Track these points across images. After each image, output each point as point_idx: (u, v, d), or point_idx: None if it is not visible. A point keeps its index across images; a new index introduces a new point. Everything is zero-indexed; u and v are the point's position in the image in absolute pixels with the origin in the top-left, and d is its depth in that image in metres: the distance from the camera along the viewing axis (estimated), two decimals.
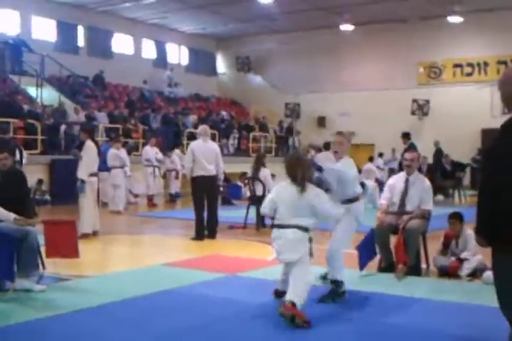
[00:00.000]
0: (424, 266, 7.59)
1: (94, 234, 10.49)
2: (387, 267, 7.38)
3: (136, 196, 17.46)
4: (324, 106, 28.28)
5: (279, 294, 5.94)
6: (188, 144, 13.93)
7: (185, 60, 31.06)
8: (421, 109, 26.39)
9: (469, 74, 26.35)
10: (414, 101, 26.34)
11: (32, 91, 21.54)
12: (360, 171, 17.33)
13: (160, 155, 17.58)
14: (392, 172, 18.81)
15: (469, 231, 7.17)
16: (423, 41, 26.15)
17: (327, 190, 6.04)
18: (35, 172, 15.86)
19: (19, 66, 22.27)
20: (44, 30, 24.76)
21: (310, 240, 5.59)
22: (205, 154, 10.44)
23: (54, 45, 24.66)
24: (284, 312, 5.22)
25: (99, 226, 10.69)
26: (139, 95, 26.24)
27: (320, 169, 6.02)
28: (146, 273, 7.48)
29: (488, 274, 6.26)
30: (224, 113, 27.48)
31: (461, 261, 7.24)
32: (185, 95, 28.79)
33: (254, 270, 7.61)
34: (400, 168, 10.85)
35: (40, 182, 16.32)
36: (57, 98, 21.40)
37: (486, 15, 24.68)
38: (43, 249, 6.66)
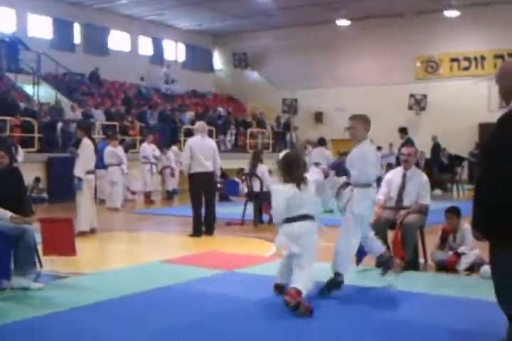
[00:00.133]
0: (421, 260, 7.60)
1: (92, 231, 10.48)
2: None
3: (133, 193, 17.45)
4: (321, 101, 28.26)
5: (279, 288, 5.97)
6: (185, 141, 13.93)
7: (181, 57, 31.02)
8: (418, 103, 26.39)
9: (466, 69, 26.35)
10: (412, 96, 26.33)
11: (28, 89, 21.52)
12: None
13: (157, 152, 17.59)
14: (389, 167, 18.80)
15: (466, 226, 7.16)
16: (420, 36, 26.13)
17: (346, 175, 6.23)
18: (32, 170, 15.86)
19: (15, 64, 22.22)
20: (40, 27, 24.70)
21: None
22: (202, 150, 10.42)
23: (50, 42, 24.60)
24: (289, 300, 5.31)
25: (96, 224, 10.67)
26: (135, 92, 26.21)
27: (347, 173, 6.19)
28: (144, 270, 7.47)
29: (486, 268, 6.25)
30: (221, 109, 27.48)
31: (458, 255, 7.24)
32: (182, 92, 28.77)
33: (251, 266, 7.60)
34: (398, 163, 10.87)
35: (37, 180, 16.30)
36: (53, 96, 21.37)
37: (482, 9, 24.67)
38: (39, 247, 6.65)
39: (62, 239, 6.86)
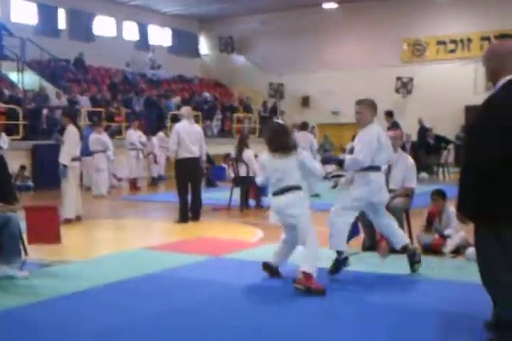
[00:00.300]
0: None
1: (78, 218, 10.43)
2: (370, 246, 7.40)
3: (119, 180, 17.39)
4: (308, 85, 28.18)
5: (266, 267, 6.13)
6: (171, 126, 13.87)
7: (167, 42, 30.80)
8: (405, 86, 26.38)
9: (453, 51, 26.31)
10: (398, 79, 26.31)
11: (13, 76, 21.30)
12: (344, 150, 17.48)
13: (143, 139, 17.52)
14: None
15: (452, 208, 7.18)
16: (406, 18, 26.07)
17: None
18: (17, 158, 15.75)
19: None
20: (24, 13, 24.39)
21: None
22: (190, 136, 10.37)
23: (34, 28, 24.32)
24: (299, 287, 5.52)
25: (82, 211, 10.63)
26: (121, 78, 26.01)
27: (340, 163, 6.17)
28: (130, 257, 7.45)
29: (471, 250, 6.28)
30: (207, 94, 27.35)
31: (444, 237, 7.26)
32: (168, 77, 28.59)
33: (238, 252, 7.60)
34: None
35: (22, 168, 16.19)
36: (38, 82, 21.18)
37: None
38: (24, 236, 6.61)
39: (47, 227, 6.84)
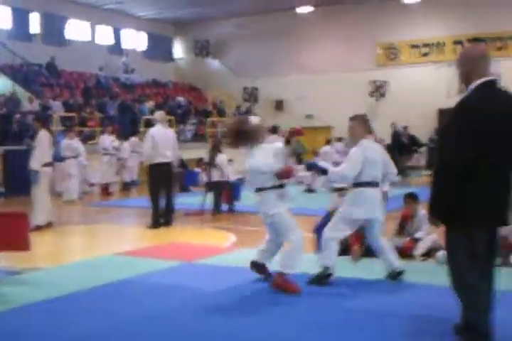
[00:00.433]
0: None
1: (49, 225, 10.29)
2: (343, 250, 7.38)
3: (91, 185, 17.25)
4: (282, 89, 28.21)
5: (254, 266, 6.19)
6: (145, 131, 13.79)
7: (142, 46, 30.65)
8: (378, 90, 26.52)
9: (426, 55, 26.53)
10: (372, 82, 26.45)
11: None
12: (317, 154, 17.51)
13: (117, 143, 17.39)
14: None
15: (424, 212, 7.20)
16: (380, 22, 26.26)
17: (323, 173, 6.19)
18: None
19: None
20: None
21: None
22: (164, 140, 10.33)
23: (8, 32, 24.07)
24: (273, 287, 5.68)
25: (53, 217, 10.50)
26: (95, 82, 25.83)
27: (324, 172, 6.12)
28: (102, 263, 7.38)
29: (442, 253, 6.30)
30: (181, 98, 27.27)
31: (415, 240, 7.28)
32: (142, 81, 28.47)
33: (210, 257, 7.56)
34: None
35: None
36: (10, 87, 20.96)
37: None
38: None
39: (16, 234, 6.72)
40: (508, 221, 4.16)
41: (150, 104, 24.40)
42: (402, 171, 19.59)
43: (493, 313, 4.09)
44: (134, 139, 18.73)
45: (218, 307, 5.38)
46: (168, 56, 31.77)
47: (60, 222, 10.70)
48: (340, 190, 7.30)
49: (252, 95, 28.93)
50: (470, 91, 4.08)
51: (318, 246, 7.17)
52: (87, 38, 27.76)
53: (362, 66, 26.69)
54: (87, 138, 19.21)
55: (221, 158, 11.98)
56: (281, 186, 5.94)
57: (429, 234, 7.27)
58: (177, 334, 4.65)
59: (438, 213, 4.15)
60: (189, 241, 8.95)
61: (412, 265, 6.90)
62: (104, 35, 28.46)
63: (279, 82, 28.00)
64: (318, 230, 7.26)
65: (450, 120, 4.10)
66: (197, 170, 16.55)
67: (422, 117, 24.28)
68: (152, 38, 30.69)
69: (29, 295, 5.77)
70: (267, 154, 5.87)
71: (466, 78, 4.15)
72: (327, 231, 6.17)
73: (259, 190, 5.90)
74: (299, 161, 17.54)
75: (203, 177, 12.95)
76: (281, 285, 5.72)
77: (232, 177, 12.14)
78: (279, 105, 29.11)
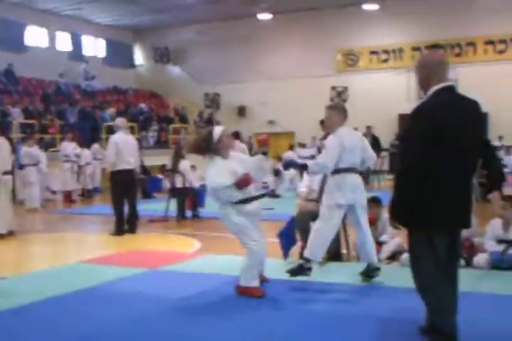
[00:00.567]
0: (344, 251, 7.66)
1: (10, 233, 10.14)
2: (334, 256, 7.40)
3: (53, 193, 17.04)
4: (244, 95, 28.30)
5: None
6: (107, 138, 13.66)
7: (102, 52, 30.46)
8: (339, 95, 26.67)
9: (385, 61, 26.85)
10: (333, 88, 26.62)
11: None
12: (280, 159, 17.55)
13: (78, 150, 17.23)
14: (313, 159, 18.92)
15: (387, 215, 7.24)
16: (340, 29, 26.52)
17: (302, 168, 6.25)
18: None
19: None
20: None
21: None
22: (127, 147, 10.28)
23: None
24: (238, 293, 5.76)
25: (15, 226, 10.35)
26: (54, 89, 25.60)
27: (304, 167, 6.16)
28: (65, 271, 7.27)
29: (406, 256, 6.35)
30: (143, 105, 27.16)
31: (379, 244, 7.33)
32: (103, 88, 28.27)
33: (175, 264, 7.51)
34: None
35: None
36: None
37: (400, 3, 25.20)
38: None
39: None
40: (469, 224, 4.23)
41: (111, 111, 24.23)
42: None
43: (457, 314, 4.14)
44: (95, 146, 18.58)
45: (185, 314, 5.33)
46: (128, 63, 31.62)
47: (23, 230, 10.56)
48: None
49: (214, 101, 28.91)
50: (428, 97, 4.14)
51: (284, 251, 7.21)
52: (46, 44, 27.48)
53: (322, 72, 26.90)
54: (47, 146, 18.98)
55: (184, 164, 11.95)
56: (246, 200, 5.85)
57: (393, 238, 7.33)
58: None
59: (399, 216, 4.19)
60: (154, 248, 8.88)
61: None
62: (64, 42, 28.22)
63: (240, 88, 28.06)
64: (282, 235, 7.29)
65: (410, 125, 4.16)
66: (160, 176, 16.48)
67: (383, 122, 24.52)
68: (111, 45, 30.51)
69: None
70: (221, 169, 5.77)
71: (424, 84, 4.21)
72: (316, 223, 6.18)
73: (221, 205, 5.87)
74: None
75: (166, 184, 12.91)
76: (244, 292, 5.75)
77: (196, 184, 12.12)
78: (241, 111, 29.17)
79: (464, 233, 5.26)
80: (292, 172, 15.66)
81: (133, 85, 31.13)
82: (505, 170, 18.28)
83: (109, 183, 10.83)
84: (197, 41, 29.64)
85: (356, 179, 6.26)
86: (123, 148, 10.15)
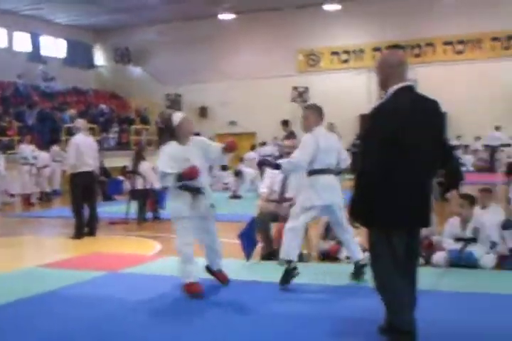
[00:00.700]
0: (305, 251, 7.66)
1: None
2: (268, 255, 7.41)
3: (11, 196, 16.78)
4: (205, 96, 28.24)
5: (207, 269, 6.26)
6: (67, 140, 13.51)
7: (62, 53, 30.07)
8: (301, 96, 26.80)
9: (346, 61, 27.03)
10: (294, 88, 26.72)
11: None
12: (242, 160, 17.57)
13: (37, 153, 16.99)
14: (275, 159, 18.97)
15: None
16: (301, 29, 26.62)
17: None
18: None
19: None
20: None
21: None
22: (87, 149, 10.15)
23: None
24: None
25: None
26: (13, 90, 25.21)
27: (278, 166, 6.11)
28: (22, 276, 7.12)
29: (367, 255, 6.37)
30: (103, 106, 26.91)
31: (340, 244, 7.35)
32: (63, 89, 27.93)
33: (135, 266, 7.44)
34: (280, 155, 10.96)
35: None
36: None
37: (361, 3, 25.43)
38: None
39: None
40: (428, 223, 4.25)
41: (71, 112, 23.96)
42: None
43: (416, 313, 4.16)
44: (54, 148, 18.33)
45: (147, 316, 5.29)
46: (88, 63, 31.28)
47: None
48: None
49: (175, 102, 28.79)
50: (387, 97, 4.16)
51: (245, 252, 7.20)
52: (5, 44, 27.06)
53: (284, 72, 26.98)
54: (5, 148, 18.70)
55: (145, 165, 11.86)
56: (196, 190, 5.87)
57: (354, 237, 7.35)
58: None
59: (359, 216, 4.21)
60: (114, 251, 8.79)
61: (338, 268, 6.99)
62: (23, 42, 27.80)
63: (202, 88, 28.00)
64: (243, 236, 7.28)
65: (369, 125, 4.17)
66: (121, 178, 16.35)
67: (344, 122, 24.61)
68: (71, 45, 30.13)
69: None
70: (168, 157, 5.82)
71: (384, 84, 4.23)
72: (288, 223, 6.15)
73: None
74: (223, 168, 17.56)
75: (127, 186, 12.80)
76: (185, 290, 5.82)
77: (157, 185, 12.01)
78: (202, 112, 29.10)
79: (423, 231, 5.29)
80: (253, 172, 15.77)
81: (93, 86, 30.83)
82: (463, 169, 18.59)
83: (68, 186, 10.68)
84: (158, 41, 29.47)
85: (332, 180, 6.24)
86: (83, 149, 10.03)
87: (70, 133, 17.14)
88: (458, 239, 7.01)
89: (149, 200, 11.83)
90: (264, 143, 23.50)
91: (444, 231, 7.18)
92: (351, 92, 25.28)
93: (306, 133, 6.23)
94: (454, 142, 21.02)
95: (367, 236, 4.31)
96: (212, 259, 6.18)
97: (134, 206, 11.73)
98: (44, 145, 18.63)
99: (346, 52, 26.96)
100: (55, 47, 29.72)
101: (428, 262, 6.89)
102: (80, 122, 10.79)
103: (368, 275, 6.06)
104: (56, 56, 29.54)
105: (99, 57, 32.14)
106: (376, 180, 3.99)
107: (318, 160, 6.05)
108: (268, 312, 5.29)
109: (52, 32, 29.14)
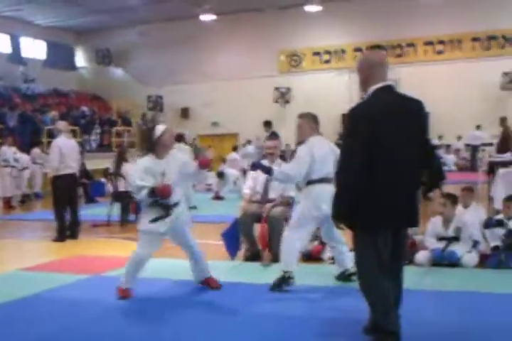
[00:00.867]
0: None
1: None
2: (252, 256, 7.41)
3: None
4: (187, 97, 28.21)
5: None
6: (48, 142, 13.42)
7: (42, 54, 29.87)
8: (283, 96, 26.86)
9: (327, 62, 27.12)
10: (276, 89, 26.76)
11: None
12: (224, 161, 17.55)
13: (18, 155, 16.85)
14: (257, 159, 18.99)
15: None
16: (282, 30, 26.67)
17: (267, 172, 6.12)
18: None
19: None
20: None
21: None
22: (69, 151, 10.08)
23: None
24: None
25: None
26: None
27: (269, 171, 6.04)
28: (4, 280, 7.07)
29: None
30: (85, 108, 26.79)
31: (323, 244, 7.36)
32: (44, 91, 27.75)
33: (119, 269, 7.36)
34: (263, 156, 10.97)
35: None
36: None
37: (342, 4, 25.55)
38: None
39: None
40: (416, 223, 4.25)
41: (53, 114, 23.80)
42: None
43: (400, 312, 4.17)
44: (35, 150, 18.20)
45: (130, 318, 5.30)
46: (69, 65, 31.09)
47: None
48: None
49: (157, 103, 28.73)
50: (367, 96, 4.17)
51: (229, 251, 7.22)
52: None
53: (266, 73, 27.02)
54: None
55: (127, 167, 11.79)
56: (167, 207, 5.78)
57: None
58: None
59: (343, 217, 4.20)
60: (97, 254, 8.74)
61: (322, 268, 7.00)
62: (2, 44, 27.57)
63: (184, 89, 27.96)
64: (226, 235, 7.29)
65: (349, 126, 4.18)
66: (103, 180, 16.26)
67: (326, 122, 24.56)
68: (52, 47, 29.92)
69: None
70: (141, 171, 5.75)
71: (364, 83, 4.24)
72: (286, 231, 6.12)
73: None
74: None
75: (109, 188, 12.73)
76: (118, 292, 5.92)
77: None
78: (184, 113, 29.08)
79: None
80: (236, 173, 15.76)
81: (75, 88, 30.66)
82: (445, 168, 18.67)
83: (50, 188, 10.60)
84: (140, 43, 29.37)
85: (330, 190, 6.15)
86: (65, 152, 9.96)
87: (51, 135, 17.04)
88: (440, 238, 7.06)
89: (132, 202, 11.76)
90: (249, 142, 23.44)
91: (427, 231, 7.22)
92: (333, 92, 25.36)
93: (298, 143, 6.20)
94: (435, 141, 21.14)
95: (352, 238, 4.31)
96: (198, 272, 6.14)
97: (116, 208, 11.67)
98: (25, 147, 18.49)
99: (328, 52, 27.06)
100: (35, 48, 29.52)
101: (411, 261, 6.92)
102: (62, 124, 10.72)
103: (354, 276, 6.15)
104: (37, 57, 29.34)
105: (80, 59, 32.01)
106: (359, 180, 3.99)
107: (315, 170, 5.99)
108: (253, 313, 5.29)
109: (32, 33, 28.94)
